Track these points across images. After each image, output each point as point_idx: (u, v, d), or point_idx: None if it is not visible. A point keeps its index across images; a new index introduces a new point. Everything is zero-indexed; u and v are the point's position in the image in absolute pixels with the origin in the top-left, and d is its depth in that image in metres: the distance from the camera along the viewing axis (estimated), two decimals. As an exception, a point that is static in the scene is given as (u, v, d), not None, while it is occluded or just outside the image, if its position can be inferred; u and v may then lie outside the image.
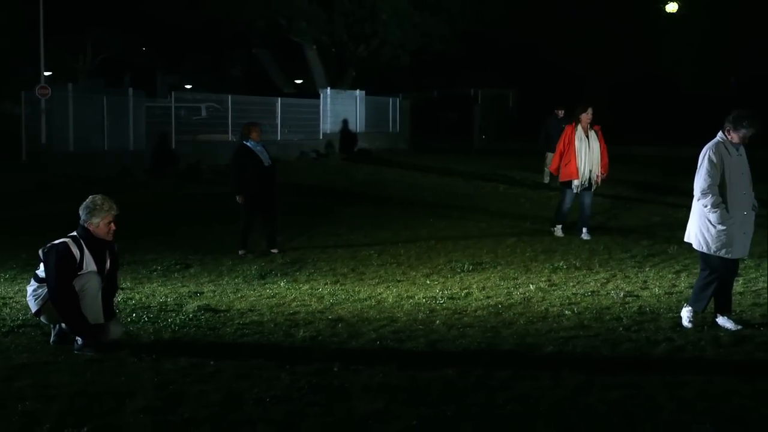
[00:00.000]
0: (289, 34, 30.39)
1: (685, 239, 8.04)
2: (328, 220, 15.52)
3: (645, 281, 9.92)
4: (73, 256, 6.60)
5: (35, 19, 23.47)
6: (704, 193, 7.61)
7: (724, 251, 7.62)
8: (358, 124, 30.68)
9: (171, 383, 5.78)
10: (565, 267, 10.84)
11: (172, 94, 24.03)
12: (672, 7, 30.61)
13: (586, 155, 13.04)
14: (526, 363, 6.49)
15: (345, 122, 29.28)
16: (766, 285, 9.56)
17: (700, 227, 7.74)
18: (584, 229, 13.20)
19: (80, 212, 6.79)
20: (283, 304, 8.74)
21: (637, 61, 34.03)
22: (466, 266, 10.92)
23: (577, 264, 11.05)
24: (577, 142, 13.04)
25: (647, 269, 10.67)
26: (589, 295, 9.13)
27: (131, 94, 22.49)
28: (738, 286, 9.53)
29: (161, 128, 23.26)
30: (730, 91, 32.28)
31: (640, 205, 17.36)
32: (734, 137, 7.66)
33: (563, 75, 33.92)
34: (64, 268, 6.55)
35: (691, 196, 7.85)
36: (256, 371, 6.09)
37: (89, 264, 6.68)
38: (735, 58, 32.23)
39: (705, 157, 7.65)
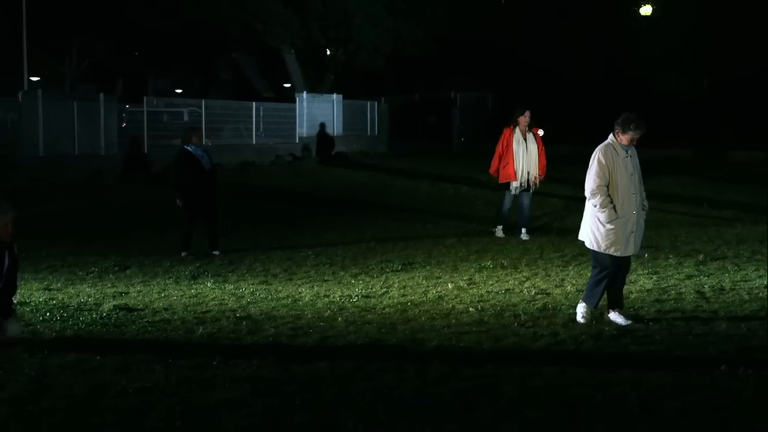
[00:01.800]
0: (265, 39, 30.68)
1: (579, 237, 8.34)
2: (279, 222, 15.76)
3: (563, 279, 10.18)
4: (-30, 256, 6.88)
5: (18, 24, 23.78)
6: (593, 193, 7.93)
7: (612, 249, 7.90)
8: (335, 127, 30.91)
9: (46, 377, 6.04)
10: (491, 266, 11.11)
11: (144, 99, 24.29)
12: (646, 10, 30.88)
13: (523, 157, 13.35)
14: (402, 356, 6.72)
15: (322, 126, 29.47)
16: (676, 282, 9.85)
17: (591, 226, 8.05)
18: (523, 230, 13.47)
19: (-23, 215, 7.08)
20: (201, 303, 8.97)
21: (612, 63, 34.29)
22: (395, 266, 11.19)
23: (505, 263, 11.31)
24: (515, 145, 13.37)
25: (570, 268, 10.93)
26: (501, 293, 9.40)
27: (102, 99, 22.74)
28: (649, 282, 9.83)
29: (137, 132, 23.49)
30: (702, 93, 32.52)
31: (593, 206, 17.56)
32: (623, 139, 7.98)
33: (541, 77, 34.18)
34: (-39, 269, 6.83)
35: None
36: (136, 365, 6.35)
37: (-14, 264, 6.97)
38: (708, 61, 32.47)
39: (595, 158, 7.97)
